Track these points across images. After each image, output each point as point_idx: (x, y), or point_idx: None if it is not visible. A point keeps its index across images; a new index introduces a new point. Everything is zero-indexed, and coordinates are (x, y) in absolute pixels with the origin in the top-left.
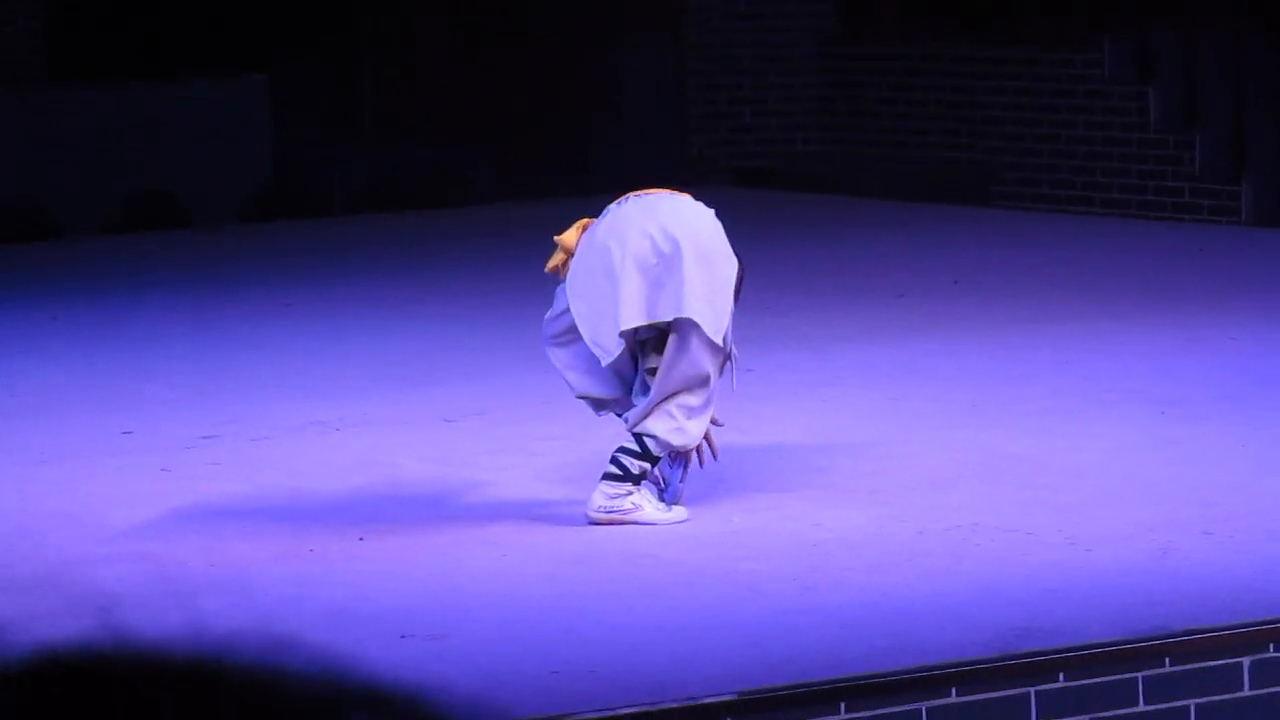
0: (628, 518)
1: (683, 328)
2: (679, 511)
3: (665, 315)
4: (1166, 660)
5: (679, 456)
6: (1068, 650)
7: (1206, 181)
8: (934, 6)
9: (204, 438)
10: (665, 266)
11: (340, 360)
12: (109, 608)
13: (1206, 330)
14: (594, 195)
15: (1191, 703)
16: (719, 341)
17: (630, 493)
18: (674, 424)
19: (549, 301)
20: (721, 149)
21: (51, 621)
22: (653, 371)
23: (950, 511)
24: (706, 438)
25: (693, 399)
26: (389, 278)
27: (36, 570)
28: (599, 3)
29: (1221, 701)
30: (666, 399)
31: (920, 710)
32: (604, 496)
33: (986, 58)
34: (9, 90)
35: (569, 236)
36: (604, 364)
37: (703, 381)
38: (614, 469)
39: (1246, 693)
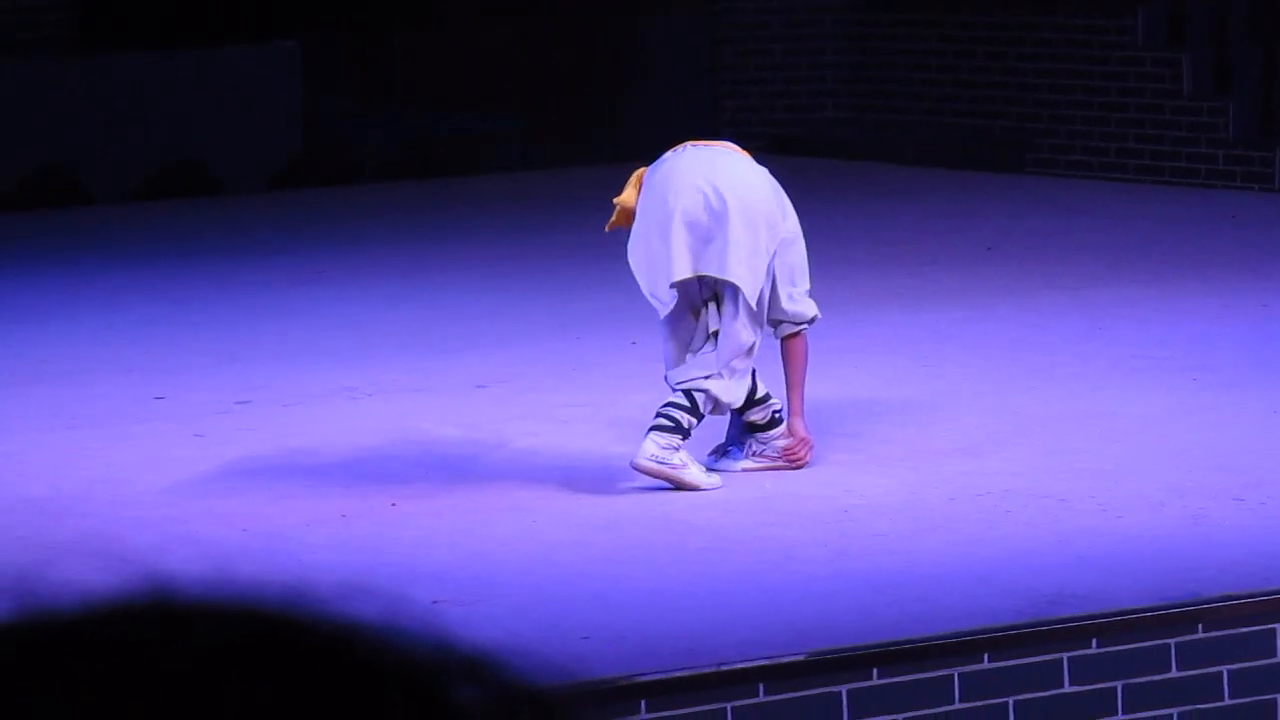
0: (674, 473)
1: (732, 294)
2: (716, 478)
3: (710, 271)
4: (1199, 626)
5: (765, 454)
6: (1100, 616)
7: (1239, 148)
8: None
9: (236, 404)
10: (715, 223)
11: (371, 327)
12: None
13: (1239, 297)
14: (624, 162)
15: (1224, 669)
16: (754, 305)
17: (678, 448)
18: (723, 383)
19: (579, 266)
20: (752, 115)
21: (88, 583)
22: (716, 335)
23: (982, 478)
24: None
25: (740, 363)
26: (419, 244)
27: (69, 534)
28: None
29: (1254, 668)
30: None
31: (953, 676)
32: (656, 446)
33: (1020, 23)
34: (41, 57)
35: (628, 196)
36: (661, 315)
37: (750, 348)
38: (665, 420)
39: (1279, 659)
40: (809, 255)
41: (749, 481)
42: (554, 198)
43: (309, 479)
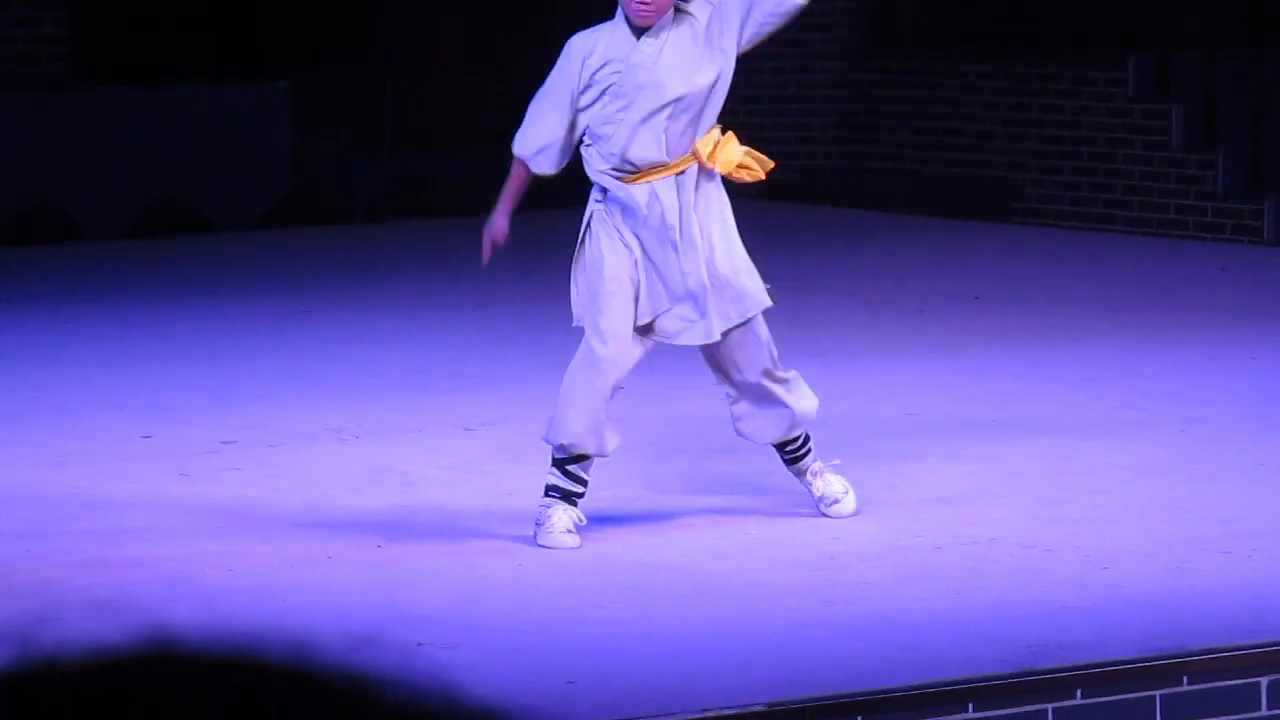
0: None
1: None
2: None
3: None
4: (1184, 679)
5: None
6: (1086, 667)
7: (1228, 200)
8: (957, 22)
9: (222, 443)
10: None
11: (358, 368)
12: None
13: (1227, 349)
14: None
15: None
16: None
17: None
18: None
19: (569, 309)
20: None
21: (78, 624)
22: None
23: (969, 527)
24: None
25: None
26: (408, 285)
27: (56, 572)
28: None
29: None
30: None
31: None
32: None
33: (1009, 74)
34: (31, 93)
35: None
36: None
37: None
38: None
39: (1264, 712)
40: (795, 301)
41: (735, 528)
42: (544, 240)
43: (294, 519)
